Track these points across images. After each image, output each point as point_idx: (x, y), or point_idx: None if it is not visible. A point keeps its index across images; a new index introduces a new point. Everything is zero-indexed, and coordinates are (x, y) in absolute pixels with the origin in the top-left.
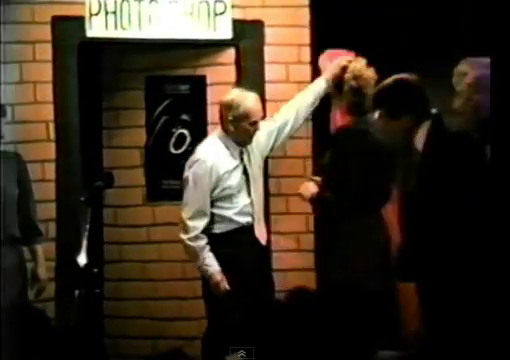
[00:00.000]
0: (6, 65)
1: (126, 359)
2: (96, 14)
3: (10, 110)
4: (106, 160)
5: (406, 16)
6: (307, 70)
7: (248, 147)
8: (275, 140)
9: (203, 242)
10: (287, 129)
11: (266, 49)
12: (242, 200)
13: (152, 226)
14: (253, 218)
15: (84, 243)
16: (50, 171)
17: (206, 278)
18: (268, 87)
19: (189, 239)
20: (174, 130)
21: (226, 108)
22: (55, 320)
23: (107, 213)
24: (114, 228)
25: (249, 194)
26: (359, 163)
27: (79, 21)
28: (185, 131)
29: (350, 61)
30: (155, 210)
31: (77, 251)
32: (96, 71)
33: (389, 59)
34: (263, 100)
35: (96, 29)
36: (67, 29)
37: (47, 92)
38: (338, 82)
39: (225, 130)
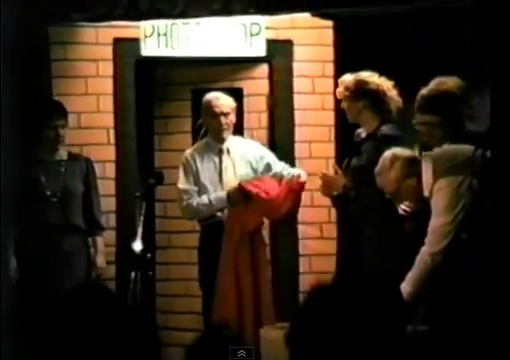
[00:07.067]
0: (74, 79)
1: (174, 331)
2: (150, 36)
3: (76, 118)
4: (157, 161)
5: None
6: (330, 83)
7: (233, 149)
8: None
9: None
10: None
11: (295, 65)
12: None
13: None
14: (223, 213)
15: (139, 232)
16: (110, 170)
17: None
18: (296, 98)
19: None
20: None
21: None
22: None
23: (158, 206)
24: (164, 219)
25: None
26: None
27: (136, 42)
28: None
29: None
30: None
31: (133, 239)
32: (149, 84)
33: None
34: (292, 109)
35: (150, 48)
36: (125, 49)
37: (108, 103)
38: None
39: None
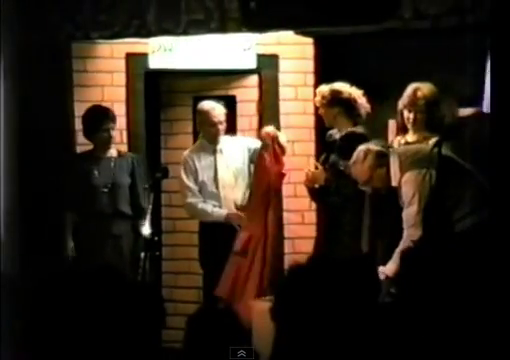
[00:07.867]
0: (92, 88)
1: (177, 303)
2: (157, 51)
3: None
4: (163, 158)
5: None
6: (311, 92)
7: (225, 148)
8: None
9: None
10: None
11: (280, 76)
12: (211, 192)
13: None
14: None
15: (148, 218)
16: None
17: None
18: (282, 104)
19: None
20: None
21: (196, 114)
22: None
23: (164, 196)
24: (169, 207)
25: (217, 187)
26: None
27: (145, 56)
28: None
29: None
30: None
31: (143, 224)
32: (156, 92)
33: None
34: (278, 113)
35: (157, 62)
36: (136, 62)
37: (121, 108)
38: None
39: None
